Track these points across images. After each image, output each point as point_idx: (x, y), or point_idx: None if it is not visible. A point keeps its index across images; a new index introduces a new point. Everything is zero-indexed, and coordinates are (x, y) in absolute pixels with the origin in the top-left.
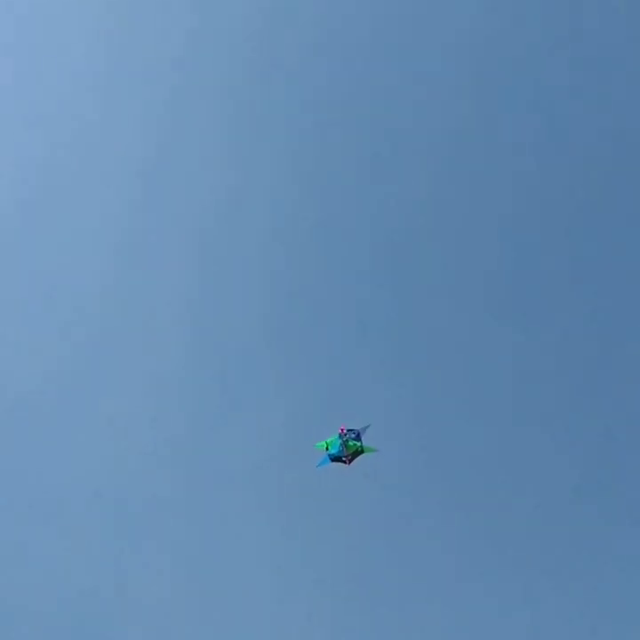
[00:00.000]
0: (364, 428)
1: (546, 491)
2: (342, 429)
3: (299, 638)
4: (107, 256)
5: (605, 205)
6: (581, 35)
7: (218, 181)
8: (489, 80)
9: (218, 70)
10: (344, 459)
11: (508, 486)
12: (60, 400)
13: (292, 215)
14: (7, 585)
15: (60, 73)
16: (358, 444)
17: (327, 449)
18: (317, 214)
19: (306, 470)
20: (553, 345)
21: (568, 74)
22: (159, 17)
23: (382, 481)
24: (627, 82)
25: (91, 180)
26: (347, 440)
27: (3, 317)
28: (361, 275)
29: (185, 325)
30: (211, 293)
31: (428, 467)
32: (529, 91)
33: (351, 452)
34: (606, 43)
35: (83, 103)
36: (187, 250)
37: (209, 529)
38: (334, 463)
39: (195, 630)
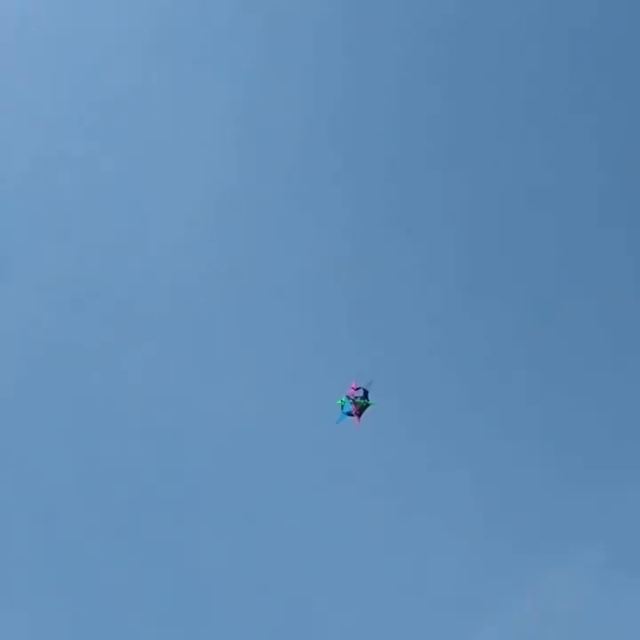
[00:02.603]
0: (369, 384)
1: None
2: (352, 388)
3: None
4: None
5: None
6: None
7: None
8: None
9: None
10: (354, 415)
11: None
12: None
13: None
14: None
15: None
16: (364, 400)
17: (342, 407)
18: None
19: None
20: None
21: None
22: None
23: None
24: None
25: None
26: (355, 398)
27: None
28: None
29: None
30: None
31: None
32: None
33: (359, 407)
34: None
35: None
36: None
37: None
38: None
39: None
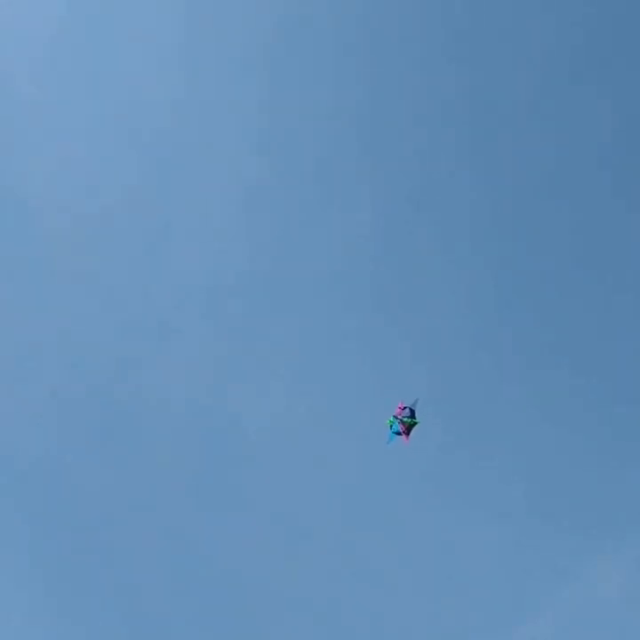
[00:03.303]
0: (415, 403)
1: None
2: (399, 408)
3: None
4: None
5: None
6: None
7: None
8: None
9: None
10: (402, 433)
11: None
12: None
13: None
14: None
15: None
16: (411, 419)
17: (391, 427)
18: None
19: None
20: None
21: None
22: None
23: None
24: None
25: None
26: (402, 418)
27: None
28: None
29: None
30: None
31: None
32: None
33: (406, 426)
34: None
35: None
36: None
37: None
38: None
39: None
